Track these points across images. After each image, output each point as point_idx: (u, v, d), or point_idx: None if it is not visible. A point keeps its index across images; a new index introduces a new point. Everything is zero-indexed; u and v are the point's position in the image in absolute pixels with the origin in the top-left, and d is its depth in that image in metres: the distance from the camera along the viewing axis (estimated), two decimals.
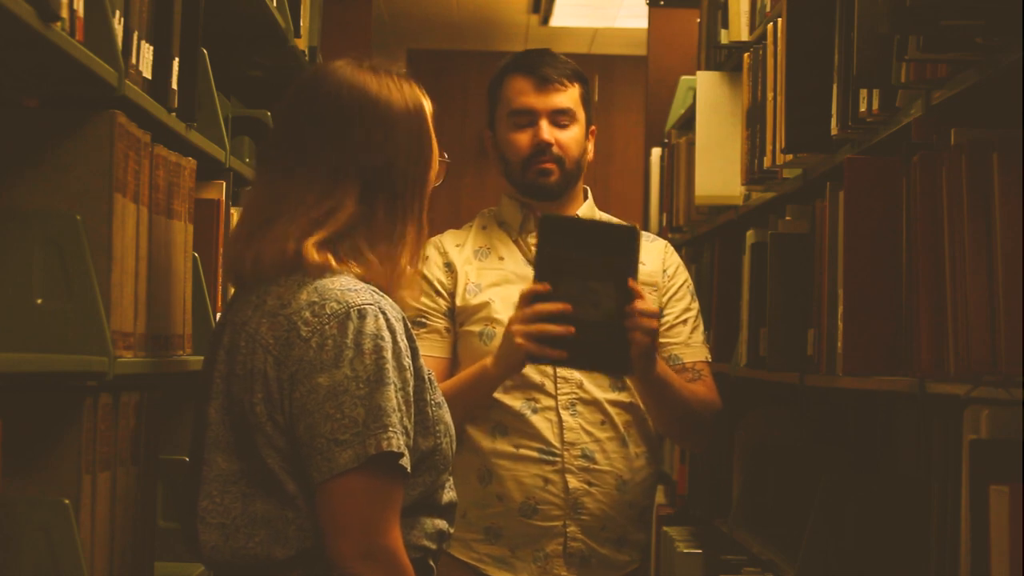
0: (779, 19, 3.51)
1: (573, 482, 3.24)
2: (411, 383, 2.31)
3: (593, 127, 3.42)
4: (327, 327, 2.27)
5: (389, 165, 2.37)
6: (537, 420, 3.24)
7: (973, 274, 2.32)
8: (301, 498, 2.28)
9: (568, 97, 3.33)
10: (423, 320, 3.29)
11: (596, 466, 3.26)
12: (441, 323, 3.31)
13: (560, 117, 3.32)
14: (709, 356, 3.42)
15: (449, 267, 3.34)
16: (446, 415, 2.41)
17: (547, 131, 3.30)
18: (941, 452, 2.53)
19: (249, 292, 2.36)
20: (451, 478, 2.45)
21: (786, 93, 3.31)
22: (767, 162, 3.67)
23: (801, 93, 3.26)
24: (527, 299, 3.01)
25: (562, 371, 3.25)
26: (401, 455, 2.26)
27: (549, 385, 3.26)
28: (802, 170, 3.45)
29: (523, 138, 3.33)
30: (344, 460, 2.24)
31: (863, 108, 2.85)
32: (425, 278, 3.29)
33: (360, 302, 2.29)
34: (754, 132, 3.88)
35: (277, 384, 2.28)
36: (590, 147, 3.41)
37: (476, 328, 3.27)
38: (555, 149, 3.31)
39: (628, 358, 3.00)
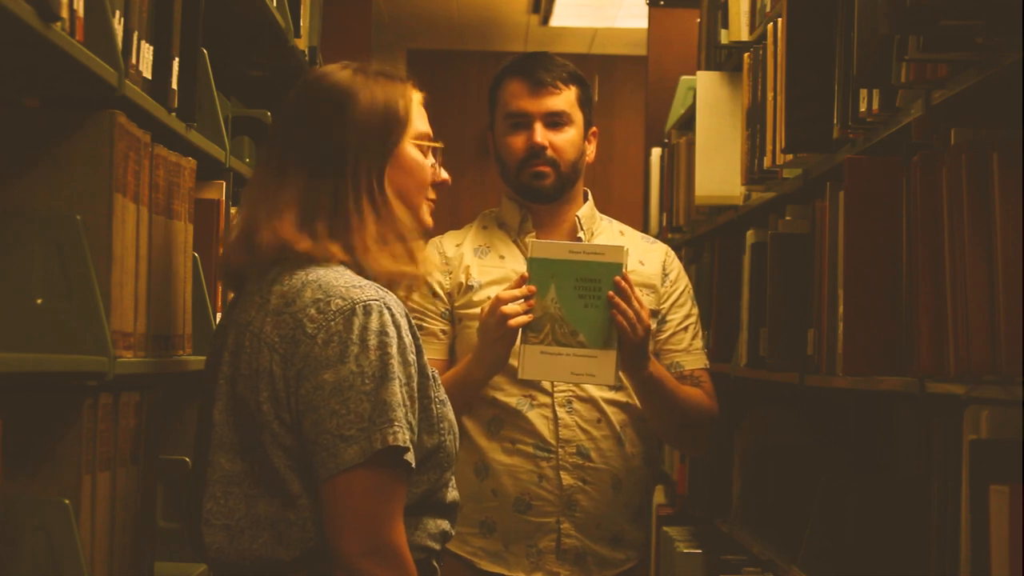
0: (779, 19, 3.51)
1: (567, 479, 3.25)
2: (416, 379, 2.32)
3: (594, 128, 3.42)
4: (332, 323, 2.28)
5: (339, 151, 2.38)
6: (533, 416, 3.25)
7: (973, 274, 2.32)
8: (304, 498, 2.28)
9: (563, 100, 3.33)
10: (420, 323, 3.28)
11: (591, 464, 3.27)
12: (437, 325, 3.31)
13: (555, 119, 3.32)
14: (707, 363, 3.42)
15: (448, 266, 3.34)
16: (450, 413, 2.41)
17: (540, 134, 3.31)
18: (941, 452, 2.53)
19: (252, 293, 2.36)
20: (454, 477, 2.45)
21: (786, 93, 3.31)
22: (767, 162, 3.67)
23: (801, 93, 3.25)
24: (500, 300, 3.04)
25: None
26: (406, 449, 2.26)
27: (546, 382, 3.26)
28: (802, 170, 3.45)
29: (518, 141, 3.33)
30: (350, 456, 2.24)
31: (863, 108, 2.85)
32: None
33: (365, 298, 2.29)
34: (754, 132, 3.88)
35: (283, 382, 2.28)
36: (590, 149, 3.41)
37: (476, 324, 3.26)
38: (549, 152, 3.31)
39: (614, 369, 3.03)
